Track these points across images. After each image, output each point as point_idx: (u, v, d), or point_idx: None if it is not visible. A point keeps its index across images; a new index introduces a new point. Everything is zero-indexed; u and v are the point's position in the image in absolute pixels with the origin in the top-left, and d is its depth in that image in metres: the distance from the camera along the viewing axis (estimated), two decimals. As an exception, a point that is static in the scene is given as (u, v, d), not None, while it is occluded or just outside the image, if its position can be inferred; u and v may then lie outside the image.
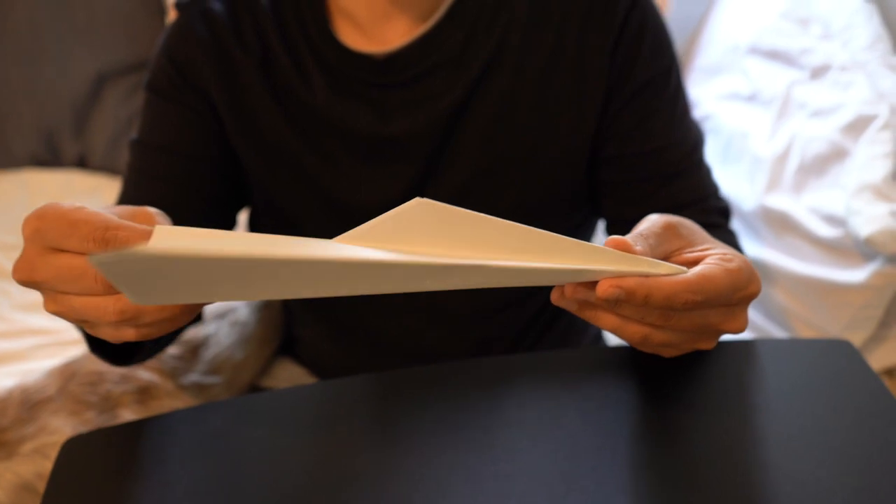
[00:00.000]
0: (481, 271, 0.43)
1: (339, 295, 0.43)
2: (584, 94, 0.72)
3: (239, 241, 0.42)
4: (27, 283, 0.44)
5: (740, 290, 0.47)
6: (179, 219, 0.73)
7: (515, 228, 0.45)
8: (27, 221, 0.44)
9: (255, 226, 0.86)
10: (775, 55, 1.20)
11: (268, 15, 0.74)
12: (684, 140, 0.75)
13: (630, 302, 0.44)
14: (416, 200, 0.46)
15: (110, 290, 0.43)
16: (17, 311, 1.23)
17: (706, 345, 0.52)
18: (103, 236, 0.42)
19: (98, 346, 0.63)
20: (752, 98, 1.22)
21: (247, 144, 0.76)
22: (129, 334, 0.46)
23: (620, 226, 0.76)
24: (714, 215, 0.74)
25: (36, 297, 1.23)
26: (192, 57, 0.75)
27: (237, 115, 0.75)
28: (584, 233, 0.84)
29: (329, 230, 0.78)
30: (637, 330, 0.47)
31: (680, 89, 0.76)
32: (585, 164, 0.76)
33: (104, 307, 0.43)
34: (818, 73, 1.12)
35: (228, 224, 0.81)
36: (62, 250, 0.43)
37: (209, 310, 0.96)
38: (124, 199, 0.74)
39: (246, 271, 0.39)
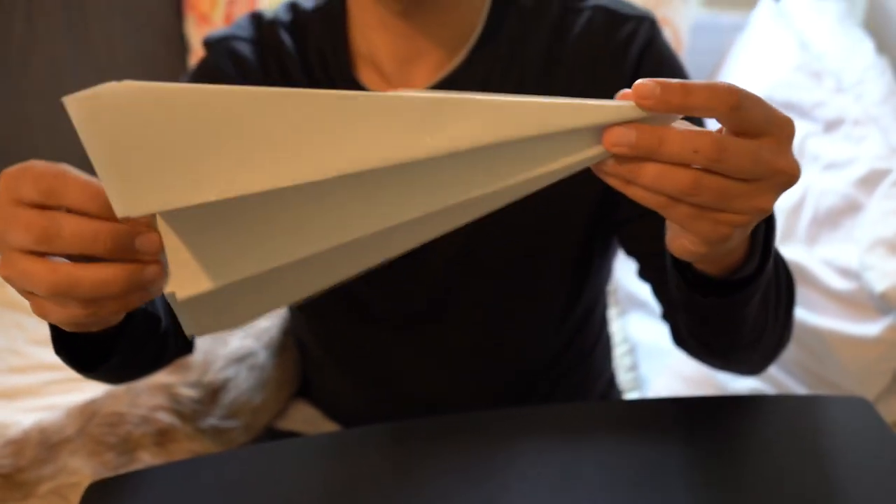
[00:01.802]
0: (485, 109, 0.38)
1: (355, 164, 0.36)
2: None
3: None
4: None
5: (777, 113, 0.43)
6: None
7: (505, 97, 0.41)
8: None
9: None
10: (789, 107, 1.22)
11: (294, 59, 0.77)
12: None
13: (665, 94, 0.39)
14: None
15: (50, 245, 0.42)
16: (32, 346, 1.24)
17: (767, 200, 0.44)
18: (49, 183, 0.42)
19: (65, 346, 0.58)
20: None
21: None
22: (74, 313, 0.44)
23: (649, 263, 0.77)
24: None
25: (52, 332, 1.24)
26: None
27: None
28: (597, 270, 0.85)
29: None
30: (686, 176, 0.42)
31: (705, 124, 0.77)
32: (597, 198, 0.76)
33: (39, 274, 0.43)
34: (832, 126, 1.14)
35: None
36: (22, 202, 0.43)
37: (227, 354, 0.97)
38: None
39: (249, 117, 0.34)
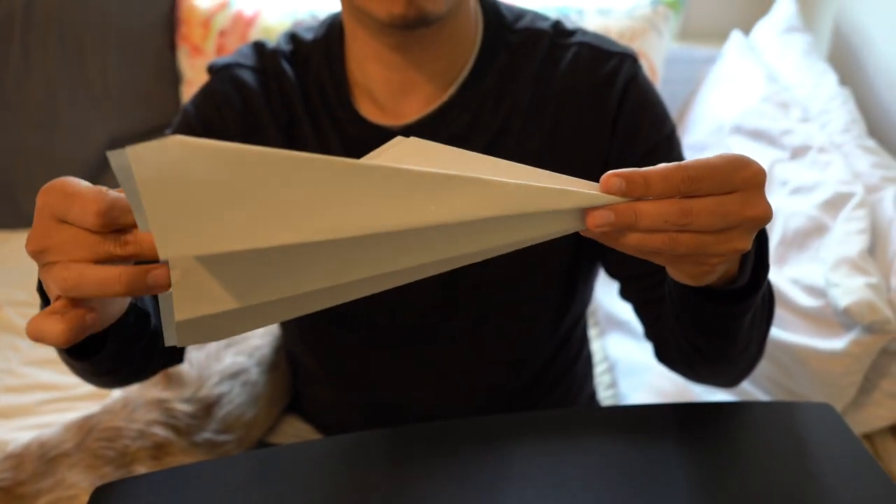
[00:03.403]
0: (484, 187, 0.43)
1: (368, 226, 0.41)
2: (579, 171, 0.78)
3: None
4: (38, 250, 0.46)
5: (739, 169, 0.47)
6: None
7: (500, 162, 0.47)
8: (39, 195, 0.47)
9: None
10: (758, 135, 1.28)
11: (294, 86, 0.80)
12: None
13: (630, 189, 0.45)
14: (399, 138, 0.48)
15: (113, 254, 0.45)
16: (27, 366, 1.26)
17: (742, 242, 0.49)
18: (98, 209, 0.44)
19: None
20: (736, 174, 1.28)
21: None
22: (77, 317, 0.47)
23: (630, 285, 0.81)
24: None
25: (46, 352, 1.26)
26: (221, 115, 0.80)
27: None
28: (582, 289, 0.89)
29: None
30: (662, 238, 0.47)
31: (681, 152, 0.81)
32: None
33: (59, 273, 0.45)
34: (798, 153, 1.19)
35: None
36: (66, 222, 0.45)
37: (221, 371, 1.00)
38: None
39: (290, 180, 0.38)
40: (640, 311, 0.82)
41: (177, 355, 0.81)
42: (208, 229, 0.37)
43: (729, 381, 0.78)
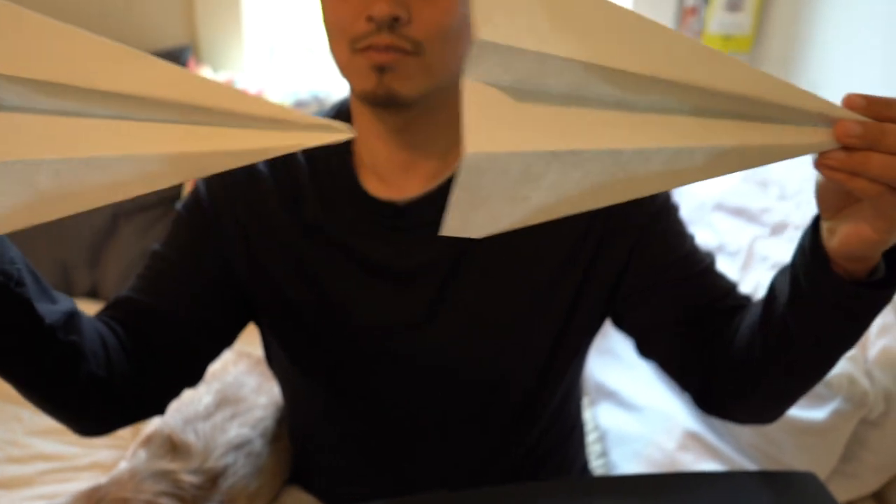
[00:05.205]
0: (748, 69, 0.47)
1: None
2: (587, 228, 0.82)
3: None
4: None
5: None
6: (191, 333, 0.82)
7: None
8: None
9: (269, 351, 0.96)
10: (739, 212, 1.34)
11: (301, 165, 0.84)
12: (698, 249, 0.84)
13: (872, 108, 0.48)
14: None
15: None
16: (29, 437, 1.27)
17: None
18: None
19: None
20: (719, 249, 1.34)
21: (274, 270, 0.85)
22: None
23: (653, 336, 0.83)
24: (744, 300, 0.81)
25: (49, 422, 1.28)
26: (230, 195, 0.84)
27: (266, 245, 0.84)
28: (575, 360, 0.92)
29: (348, 347, 0.86)
30: None
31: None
32: (574, 292, 0.83)
33: None
34: (777, 229, 1.25)
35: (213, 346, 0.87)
36: None
37: (226, 442, 1.02)
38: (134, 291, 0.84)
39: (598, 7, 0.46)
40: (669, 362, 0.84)
41: (159, 404, 0.82)
42: (521, 23, 0.43)
43: (788, 404, 0.78)
